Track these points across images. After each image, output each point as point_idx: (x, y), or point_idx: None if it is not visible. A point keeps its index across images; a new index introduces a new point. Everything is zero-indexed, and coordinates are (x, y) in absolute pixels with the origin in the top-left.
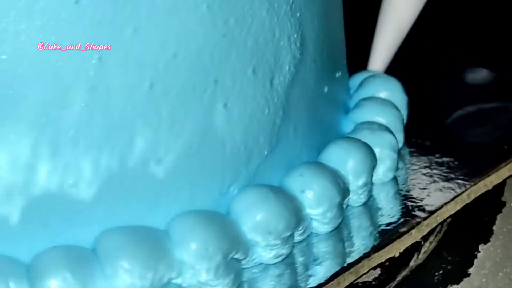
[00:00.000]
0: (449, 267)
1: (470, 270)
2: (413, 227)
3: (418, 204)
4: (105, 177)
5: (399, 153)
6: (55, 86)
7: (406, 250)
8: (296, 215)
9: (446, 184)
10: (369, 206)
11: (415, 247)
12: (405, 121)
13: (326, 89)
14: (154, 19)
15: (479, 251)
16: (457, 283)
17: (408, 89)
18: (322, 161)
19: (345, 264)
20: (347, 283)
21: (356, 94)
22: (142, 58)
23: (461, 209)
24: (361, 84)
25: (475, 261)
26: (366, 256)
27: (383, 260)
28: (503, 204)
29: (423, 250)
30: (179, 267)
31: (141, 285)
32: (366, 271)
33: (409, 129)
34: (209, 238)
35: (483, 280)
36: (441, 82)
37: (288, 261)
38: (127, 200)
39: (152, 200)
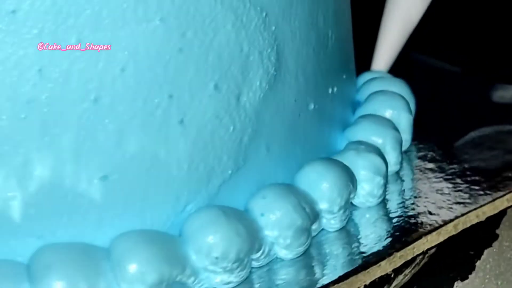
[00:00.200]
0: None
1: None
2: (383, 258)
3: (396, 234)
4: (39, 193)
5: (398, 174)
6: None
7: (374, 282)
8: (252, 240)
9: (435, 212)
10: (347, 231)
11: (385, 280)
12: (409, 140)
13: (312, 106)
14: (99, 31)
15: None
16: None
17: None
18: (296, 183)
19: None
20: None
21: (359, 110)
22: (87, 71)
23: (449, 239)
24: (366, 100)
25: None
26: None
27: None
28: (496, 237)
29: (394, 283)
30: None
31: None
32: None
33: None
34: (144, 260)
35: None
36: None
37: (244, 287)
38: (65, 216)
39: (95, 217)
